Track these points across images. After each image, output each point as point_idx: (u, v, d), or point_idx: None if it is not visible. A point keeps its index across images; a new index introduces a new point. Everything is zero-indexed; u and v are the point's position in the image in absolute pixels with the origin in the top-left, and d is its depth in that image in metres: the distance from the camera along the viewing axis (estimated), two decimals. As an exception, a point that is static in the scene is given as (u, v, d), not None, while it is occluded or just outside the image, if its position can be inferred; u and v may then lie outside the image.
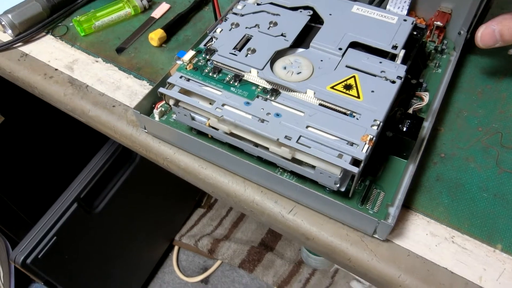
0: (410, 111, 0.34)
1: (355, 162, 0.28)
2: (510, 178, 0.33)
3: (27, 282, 1.04)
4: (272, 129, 0.29)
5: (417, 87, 0.37)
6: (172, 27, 0.45)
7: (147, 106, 0.36)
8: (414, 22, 0.35)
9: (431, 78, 0.39)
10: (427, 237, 0.31)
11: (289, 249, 1.08)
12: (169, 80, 0.32)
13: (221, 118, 0.30)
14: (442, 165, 0.34)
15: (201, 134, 0.35)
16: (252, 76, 0.32)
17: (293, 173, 0.32)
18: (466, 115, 0.37)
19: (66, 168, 0.79)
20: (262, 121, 0.29)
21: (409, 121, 0.32)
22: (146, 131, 0.37)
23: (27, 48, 0.45)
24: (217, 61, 0.33)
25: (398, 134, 0.32)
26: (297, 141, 0.28)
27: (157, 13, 0.47)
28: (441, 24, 0.39)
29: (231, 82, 0.32)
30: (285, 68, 0.32)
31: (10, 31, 0.45)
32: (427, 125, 0.35)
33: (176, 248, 1.10)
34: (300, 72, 0.31)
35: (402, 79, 0.31)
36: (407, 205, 0.32)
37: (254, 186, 0.34)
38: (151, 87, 0.40)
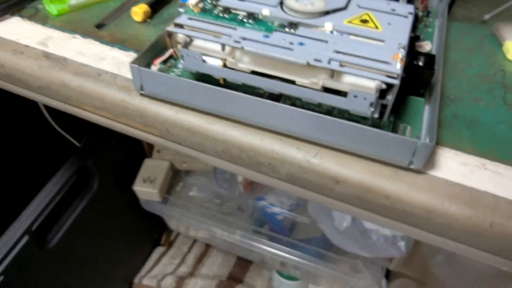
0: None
1: (384, 90, 0.27)
2: (520, 113, 0.34)
3: None
4: (299, 54, 0.27)
5: (416, 40, 0.37)
6: (156, 4, 0.42)
7: (142, 65, 0.33)
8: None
9: (423, 36, 0.40)
10: (459, 167, 0.30)
11: (259, 279, 1.02)
12: (177, 20, 0.30)
13: (242, 49, 0.28)
14: (454, 105, 0.34)
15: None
16: (265, 14, 0.30)
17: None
18: (462, 67, 0.38)
19: (15, 197, 0.70)
20: (287, 49, 0.28)
21: (423, 56, 0.32)
22: (142, 92, 0.33)
23: (-10, 29, 0.41)
24: (225, 5, 0.31)
25: (415, 69, 0.31)
26: (328, 63, 0.27)
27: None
28: (424, -11, 0.41)
29: (245, 20, 0.30)
30: (297, 0, 0.31)
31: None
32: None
33: (136, 292, 1.00)
34: (312, 4, 0.30)
35: (413, 15, 0.32)
36: (432, 141, 0.31)
37: (271, 135, 0.31)
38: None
